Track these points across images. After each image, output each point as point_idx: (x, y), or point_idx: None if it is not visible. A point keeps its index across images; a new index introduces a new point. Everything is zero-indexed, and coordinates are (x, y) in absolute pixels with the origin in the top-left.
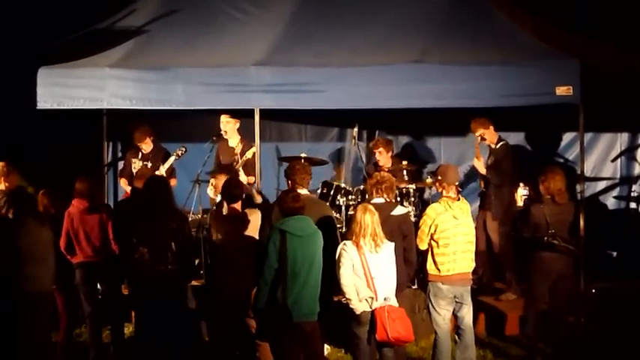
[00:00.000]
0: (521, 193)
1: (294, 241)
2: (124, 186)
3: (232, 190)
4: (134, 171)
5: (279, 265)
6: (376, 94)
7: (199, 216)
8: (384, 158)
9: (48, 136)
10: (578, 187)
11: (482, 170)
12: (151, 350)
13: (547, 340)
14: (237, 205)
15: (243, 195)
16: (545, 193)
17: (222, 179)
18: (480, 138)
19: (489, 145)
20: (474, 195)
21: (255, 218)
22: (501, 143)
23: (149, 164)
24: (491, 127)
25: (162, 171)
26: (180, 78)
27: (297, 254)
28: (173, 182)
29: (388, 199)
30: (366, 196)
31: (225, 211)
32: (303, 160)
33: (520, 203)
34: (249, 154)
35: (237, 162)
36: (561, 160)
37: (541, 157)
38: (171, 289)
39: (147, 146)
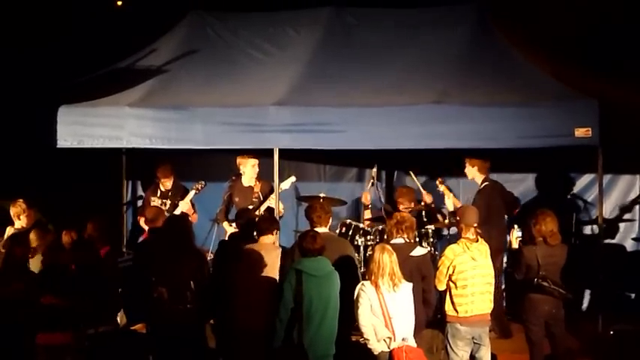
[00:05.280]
0: (516, 235)
1: (310, 281)
2: (143, 225)
3: (261, 225)
4: None
5: (295, 304)
6: (395, 134)
7: None
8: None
9: (67, 174)
10: (597, 229)
11: (450, 207)
12: None
13: None
14: (267, 239)
15: (275, 231)
16: (537, 235)
17: None
18: (438, 181)
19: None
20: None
21: (274, 256)
22: (485, 184)
23: (168, 202)
24: (477, 168)
25: (182, 207)
26: (199, 117)
27: (313, 294)
28: (194, 218)
29: (408, 240)
30: (385, 237)
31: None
32: (322, 200)
33: (515, 245)
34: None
35: (261, 200)
36: (580, 202)
37: (559, 198)
38: (190, 328)
39: (167, 183)
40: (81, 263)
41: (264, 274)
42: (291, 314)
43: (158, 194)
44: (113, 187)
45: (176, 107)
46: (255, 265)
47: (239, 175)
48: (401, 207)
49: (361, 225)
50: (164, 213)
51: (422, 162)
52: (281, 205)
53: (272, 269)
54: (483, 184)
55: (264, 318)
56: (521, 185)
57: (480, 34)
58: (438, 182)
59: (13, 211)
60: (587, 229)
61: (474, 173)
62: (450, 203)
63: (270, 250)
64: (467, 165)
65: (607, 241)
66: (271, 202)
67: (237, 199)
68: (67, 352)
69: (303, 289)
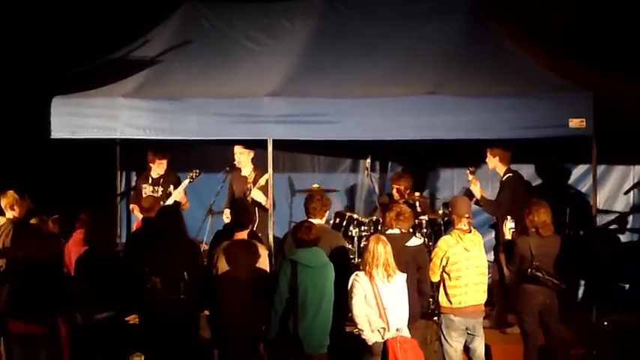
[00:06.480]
0: (509, 226)
1: (304, 272)
2: (136, 213)
3: (240, 218)
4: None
5: (290, 295)
6: (390, 125)
7: None
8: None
9: (61, 165)
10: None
11: (477, 194)
12: None
13: None
14: (244, 234)
15: (251, 225)
16: (530, 226)
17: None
18: (469, 171)
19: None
20: (484, 227)
21: (253, 250)
22: (507, 175)
23: (160, 189)
24: (498, 158)
25: (176, 195)
26: (193, 108)
27: (308, 285)
28: (186, 206)
29: (404, 231)
30: (379, 227)
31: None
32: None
33: (508, 236)
34: (262, 181)
35: (250, 190)
36: (574, 192)
37: (553, 189)
38: (184, 318)
39: (159, 169)
40: (94, 247)
41: (243, 268)
42: (285, 305)
43: (150, 181)
44: (107, 178)
45: (170, 98)
46: (233, 259)
47: (233, 165)
48: (396, 194)
49: (355, 216)
50: (160, 202)
51: (416, 153)
52: (263, 198)
53: (252, 263)
54: (506, 175)
55: (246, 312)
56: None
57: (475, 25)
58: (468, 172)
59: (4, 202)
60: (581, 220)
61: (495, 163)
62: (477, 191)
63: (249, 244)
64: (488, 155)
65: (601, 231)
66: (254, 193)
67: (234, 188)
68: (43, 342)
69: (298, 279)
